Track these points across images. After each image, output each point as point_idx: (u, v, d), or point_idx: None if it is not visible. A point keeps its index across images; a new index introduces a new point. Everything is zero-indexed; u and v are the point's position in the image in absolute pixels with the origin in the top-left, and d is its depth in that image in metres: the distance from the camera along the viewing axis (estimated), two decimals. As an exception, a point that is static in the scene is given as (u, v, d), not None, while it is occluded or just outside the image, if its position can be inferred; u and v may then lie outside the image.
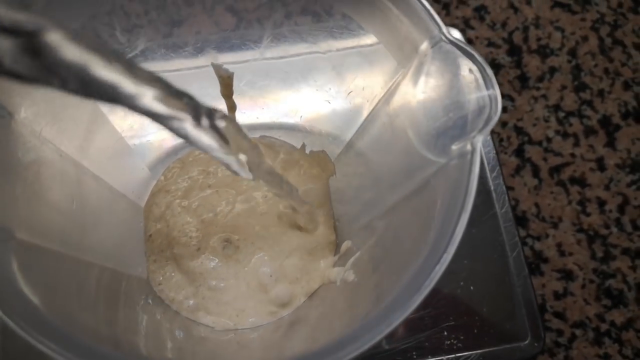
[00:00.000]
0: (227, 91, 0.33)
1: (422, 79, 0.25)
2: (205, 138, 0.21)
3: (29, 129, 0.24)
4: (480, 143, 0.22)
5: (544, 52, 0.52)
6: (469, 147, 0.22)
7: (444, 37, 0.23)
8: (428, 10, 0.23)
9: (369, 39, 0.28)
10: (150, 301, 0.35)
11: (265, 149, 0.40)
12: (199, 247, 0.38)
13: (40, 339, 0.18)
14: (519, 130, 0.49)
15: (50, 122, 0.25)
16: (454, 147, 0.23)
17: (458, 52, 0.23)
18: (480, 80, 0.22)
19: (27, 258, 0.21)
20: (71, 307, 0.23)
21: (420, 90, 0.25)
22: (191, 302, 0.37)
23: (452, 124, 0.23)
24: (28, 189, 0.23)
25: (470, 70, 0.23)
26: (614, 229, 0.47)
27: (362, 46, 0.30)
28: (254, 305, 0.37)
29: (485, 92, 0.22)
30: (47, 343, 0.18)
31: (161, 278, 0.37)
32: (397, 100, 0.27)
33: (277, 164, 0.40)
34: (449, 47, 0.23)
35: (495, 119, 0.22)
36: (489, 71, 0.22)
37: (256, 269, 0.37)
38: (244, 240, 0.38)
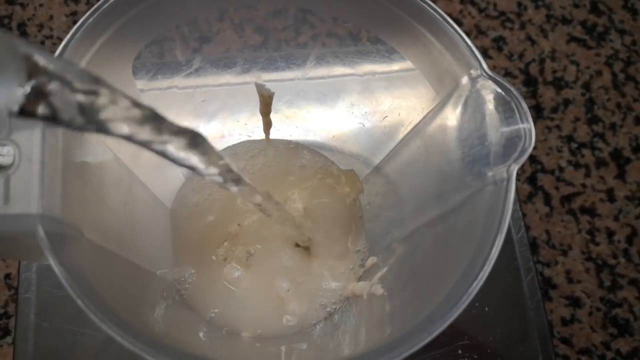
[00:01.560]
0: (266, 109, 0.35)
1: (460, 109, 0.26)
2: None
3: (95, 136, 0.26)
4: (515, 171, 0.24)
5: (559, 84, 0.54)
6: (504, 174, 0.24)
7: (484, 73, 0.25)
8: (470, 47, 0.25)
9: (408, 66, 0.30)
10: (176, 304, 0.36)
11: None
12: (225, 256, 0.39)
13: (116, 329, 0.19)
14: (532, 158, 0.51)
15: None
16: (490, 173, 0.24)
17: (496, 87, 0.25)
18: (517, 114, 0.24)
19: (93, 257, 0.23)
20: (131, 303, 0.25)
21: (458, 120, 0.27)
22: (215, 309, 0.38)
23: (487, 152, 0.25)
24: (94, 192, 0.25)
25: (508, 104, 0.24)
26: (622, 259, 0.48)
27: (399, 71, 0.32)
28: (273, 317, 0.38)
29: (520, 125, 0.24)
30: (122, 334, 0.20)
31: (187, 285, 0.38)
32: (434, 127, 0.29)
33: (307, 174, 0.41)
34: (488, 82, 0.25)
35: (529, 150, 0.24)
36: (525, 106, 0.24)
37: (275, 282, 0.39)
38: (266, 253, 0.40)
